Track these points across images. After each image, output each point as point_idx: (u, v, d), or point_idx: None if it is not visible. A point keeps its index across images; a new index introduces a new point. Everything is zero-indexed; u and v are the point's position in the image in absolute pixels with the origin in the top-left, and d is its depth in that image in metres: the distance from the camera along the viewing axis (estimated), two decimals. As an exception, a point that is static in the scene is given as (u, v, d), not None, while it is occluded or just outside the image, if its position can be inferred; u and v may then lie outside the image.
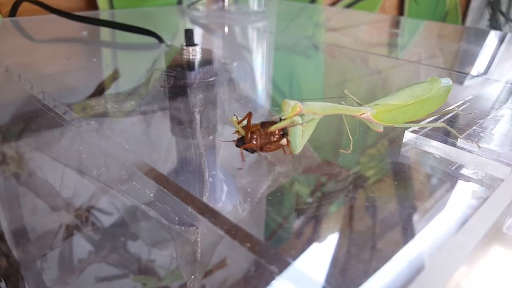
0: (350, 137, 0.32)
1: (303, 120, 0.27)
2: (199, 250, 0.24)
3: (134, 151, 0.33)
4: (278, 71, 0.58)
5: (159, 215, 0.26)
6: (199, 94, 0.46)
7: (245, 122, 0.28)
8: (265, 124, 0.27)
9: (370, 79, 0.56)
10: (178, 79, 0.50)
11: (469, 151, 0.31)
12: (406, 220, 0.26)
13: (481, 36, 0.87)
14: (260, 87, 0.51)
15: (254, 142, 0.27)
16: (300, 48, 0.71)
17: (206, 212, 0.25)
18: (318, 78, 0.57)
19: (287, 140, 0.27)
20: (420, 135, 0.33)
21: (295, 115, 0.26)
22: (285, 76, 0.57)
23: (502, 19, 1.78)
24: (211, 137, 0.37)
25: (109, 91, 0.48)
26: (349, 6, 1.30)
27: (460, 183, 0.30)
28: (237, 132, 0.28)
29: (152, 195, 0.28)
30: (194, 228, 0.25)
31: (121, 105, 0.43)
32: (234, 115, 0.28)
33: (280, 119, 0.27)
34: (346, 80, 0.55)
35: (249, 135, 0.26)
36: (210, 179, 0.29)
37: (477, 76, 0.56)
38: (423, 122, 0.33)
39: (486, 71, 0.59)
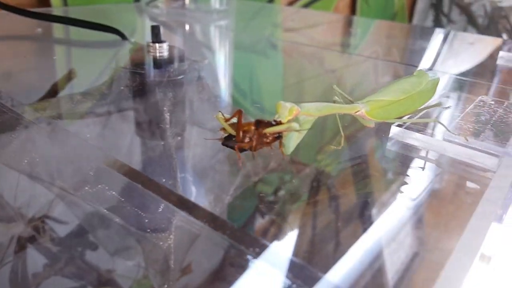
0: (342, 132, 0.31)
1: (299, 122, 0.27)
2: (171, 256, 0.23)
3: (98, 148, 0.31)
4: (239, 70, 0.58)
5: (123, 220, 0.25)
6: (167, 92, 0.44)
7: (233, 119, 0.27)
8: (260, 124, 0.26)
9: (329, 76, 0.56)
10: (144, 78, 0.48)
11: (457, 144, 0.31)
12: (395, 216, 0.26)
13: (427, 34, 0.91)
14: (223, 85, 0.50)
15: (248, 142, 0.26)
16: (261, 46, 0.70)
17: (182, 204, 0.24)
18: (278, 76, 0.57)
19: (280, 142, 0.27)
20: (406, 128, 0.33)
21: (292, 118, 0.26)
22: (246, 75, 0.57)
23: (444, 20, 1.86)
24: (179, 138, 0.36)
25: (67, 91, 0.46)
26: (306, 6, 1.31)
27: (449, 177, 0.30)
28: (223, 129, 0.27)
29: (116, 195, 0.27)
30: (165, 232, 0.24)
31: (81, 105, 0.41)
32: (220, 112, 0.27)
33: (275, 121, 0.26)
34: (306, 77, 0.55)
35: (241, 134, 0.26)
36: (179, 181, 0.28)
37: (428, 69, 0.59)
38: (414, 118, 0.34)
39: (433, 65, 0.63)
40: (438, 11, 1.76)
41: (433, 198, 0.28)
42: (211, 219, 0.24)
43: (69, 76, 0.51)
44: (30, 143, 0.33)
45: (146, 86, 0.46)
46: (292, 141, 0.27)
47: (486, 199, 0.26)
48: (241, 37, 0.77)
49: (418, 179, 0.30)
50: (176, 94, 0.45)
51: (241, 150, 0.26)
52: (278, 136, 0.26)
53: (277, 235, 0.24)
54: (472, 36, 0.94)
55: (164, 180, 0.28)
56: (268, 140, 0.26)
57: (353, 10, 1.50)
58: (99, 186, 0.28)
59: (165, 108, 0.41)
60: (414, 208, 0.27)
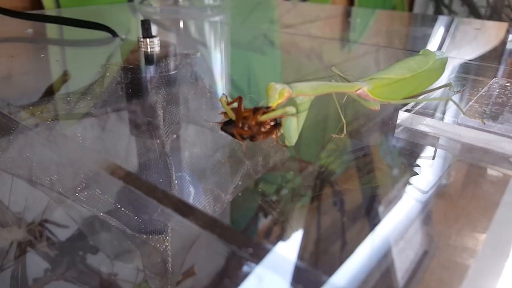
0: (343, 119, 0.28)
1: (295, 105, 0.24)
2: (169, 259, 0.22)
3: (95, 151, 0.30)
4: (235, 66, 0.56)
5: (122, 224, 0.25)
6: (159, 89, 0.42)
7: (234, 104, 0.24)
8: (257, 111, 0.24)
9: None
10: (135, 74, 0.45)
11: (473, 128, 0.28)
12: (406, 213, 0.24)
13: (432, 21, 0.88)
14: (219, 80, 0.48)
15: (246, 129, 0.24)
16: (257, 42, 0.68)
17: (180, 208, 0.23)
18: (276, 66, 0.54)
19: (278, 130, 0.25)
20: (416, 114, 0.30)
21: (282, 102, 0.24)
22: (242, 70, 0.54)
23: (445, 11, 1.83)
24: (175, 136, 0.34)
25: (60, 92, 0.44)
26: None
27: (467, 165, 0.27)
28: (224, 113, 0.25)
29: (113, 201, 0.25)
30: (162, 235, 0.23)
31: (75, 106, 0.39)
32: (223, 94, 0.25)
33: (267, 107, 0.24)
34: (306, 72, 0.52)
35: (240, 122, 0.23)
36: (176, 181, 0.27)
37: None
38: (421, 97, 0.31)
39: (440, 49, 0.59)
40: (438, 2, 1.73)
41: (451, 189, 0.25)
42: (209, 222, 0.22)
43: (64, 78, 0.49)
44: (28, 145, 0.31)
45: (137, 82, 0.44)
46: (292, 130, 0.24)
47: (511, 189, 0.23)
48: (236, 32, 0.75)
49: (431, 170, 0.27)
50: (169, 90, 0.42)
51: (241, 137, 0.24)
52: (276, 124, 0.24)
53: (278, 238, 0.22)
54: (478, 22, 0.91)
55: (160, 180, 0.26)
56: (265, 129, 0.24)
57: (351, 1, 1.48)
58: (96, 189, 0.26)
59: (157, 105, 0.39)
60: (427, 202, 0.24)
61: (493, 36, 0.71)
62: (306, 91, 0.25)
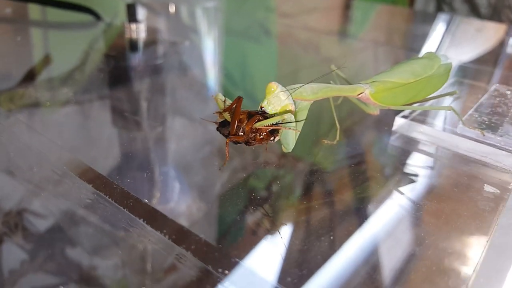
0: (337, 124, 0.26)
1: (296, 108, 0.23)
2: (149, 257, 0.21)
3: (68, 148, 0.28)
4: (228, 56, 0.53)
5: (101, 219, 0.23)
6: (144, 78, 0.40)
7: (229, 104, 0.24)
8: (253, 117, 0.23)
9: (327, 64, 0.52)
10: (118, 62, 0.43)
11: (471, 139, 0.26)
12: (396, 228, 0.22)
13: (435, 19, 0.86)
14: (210, 71, 0.45)
15: (241, 136, 0.23)
16: (254, 31, 0.65)
17: (151, 218, 0.21)
18: (271, 59, 0.52)
19: (275, 136, 0.24)
20: (412, 120, 0.28)
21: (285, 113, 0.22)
22: (235, 61, 0.52)
23: (446, 8, 1.82)
24: (160, 129, 0.33)
25: (39, 78, 0.42)
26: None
27: (463, 178, 0.25)
28: (219, 113, 0.24)
29: (89, 200, 0.24)
30: (141, 232, 0.22)
31: (54, 93, 0.37)
32: (219, 93, 0.24)
33: (264, 112, 0.23)
34: (301, 65, 0.50)
35: (235, 126, 0.23)
36: (161, 177, 0.26)
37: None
38: (422, 105, 0.29)
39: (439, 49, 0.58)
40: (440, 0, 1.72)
41: (444, 204, 0.23)
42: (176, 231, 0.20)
43: (45, 62, 0.46)
44: (5, 134, 0.30)
45: (121, 70, 0.42)
46: (289, 137, 0.23)
47: (509, 208, 0.21)
48: (231, 19, 0.72)
49: (425, 181, 0.25)
50: (154, 80, 0.40)
51: (235, 142, 0.24)
52: (273, 130, 0.23)
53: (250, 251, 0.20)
54: (477, 22, 0.88)
55: (138, 177, 0.25)
56: (261, 136, 0.23)
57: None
58: (70, 184, 0.25)
59: (142, 96, 0.37)
60: (418, 216, 0.22)
61: (493, 38, 0.69)
62: (307, 95, 0.23)
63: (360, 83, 0.26)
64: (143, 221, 0.21)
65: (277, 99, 0.22)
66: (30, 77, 0.41)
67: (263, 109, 0.22)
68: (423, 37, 0.67)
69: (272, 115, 0.22)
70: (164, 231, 0.20)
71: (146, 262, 0.22)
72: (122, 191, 0.23)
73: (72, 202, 0.25)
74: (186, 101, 0.38)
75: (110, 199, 0.23)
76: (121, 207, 0.22)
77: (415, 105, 0.29)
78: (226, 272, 0.18)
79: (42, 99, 0.36)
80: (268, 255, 0.20)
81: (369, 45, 0.59)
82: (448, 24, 0.80)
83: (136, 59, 0.44)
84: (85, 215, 0.24)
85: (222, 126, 0.24)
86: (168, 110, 0.36)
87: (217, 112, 0.25)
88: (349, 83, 0.28)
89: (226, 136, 0.23)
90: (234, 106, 0.23)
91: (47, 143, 0.29)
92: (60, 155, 0.27)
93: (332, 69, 0.28)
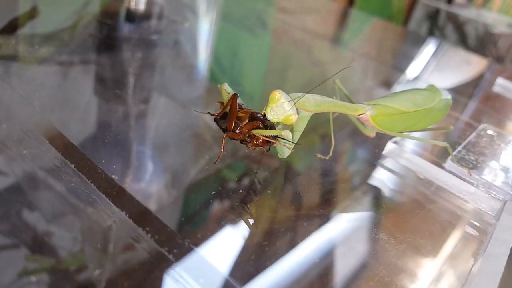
0: (333, 140, 0.26)
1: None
2: (108, 235, 0.21)
3: (41, 109, 0.27)
4: (222, 42, 0.52)
5: (64, 188, 0.23)
6: (136, 52, 0.38)
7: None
8: (253, 121, 0.23)
9: (318, 68, 0.51)
10: (112, 30, 0.41)
11: (457, 177, 0.27)
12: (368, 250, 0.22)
13: (425, 43, 0.87)
14: (203, 55, 0.44)
15: (239, 133, 0.23)
16: (251, 21, 0.64)
17: (115, 194, 0.21)
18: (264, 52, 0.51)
19: (270, 145, 0.24)
20: (404, 148, 0.28)
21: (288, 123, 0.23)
22: (229, 49, 0.51)
23: (437, 33, 1.85)
24: (142, 106, 0.31)
25: (22, 30, 0.39)
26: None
27: (443, 214, 0.25)
28: (221, 103, 0.24)
29: (55, 166, 0.23)
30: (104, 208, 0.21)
31: (36, 49, 0.35)
32: (226, 83, 0.24)
33: (265, 118, 0.22)
34: (291, 65, 0.50)
35: (233, 123, 0.23)
36: (133, 155, 0.25)
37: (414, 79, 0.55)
38: (421, 136, 0.29)
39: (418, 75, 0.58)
40: (433, 23, 1.74)
41: (425, 242, 0.23)
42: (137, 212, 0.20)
43: (31, 14, 0.44)
44: None
45: (113, 40, 0.40)
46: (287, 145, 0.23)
47: (488, 256, 0.21)
48: (229, 5, 0.71)
49: (404, 210, 0.25)
50: (146, 56, 0.39)
51: (231, 138, 0.24)
52: (268, 141, 0.23)
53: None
54: (464, 53, 0.90)
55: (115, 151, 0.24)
56: (257, 142, 0.23)
57: (351, 1, 1.46)
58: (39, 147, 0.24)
59: (130, 70, 0.36)
60: (393, 255, 0.22)
61: (475, 70, 0.71)
62: (309, 106, 0.23)
63: (363, 103, 0.26)
64: (107, 197, 0.20)
65: (280, 109, 0.22)
66: (12, 27, 0.39)
67: (266, 116, 0.22)
68: (410, 58, 0.68)
69: (273, 124, 0.23)
70: (127, 210, 0.20)
71: (105, 239, 0.21)
72: (91, 164, 0.22)
73: (37, 165, 0.24)
74: (173, 82, 0.37)
75: (76, 170, 0.22)
76: (87, 180, 0.21)
77: (412, 134, 0.29)
78: (179, 257, 0.18)
79: (21, 53, 0.34)
80: (225, 247, 0.20)
81: (357, 57, 0.59)
82: (437, 49, 0.81)
83: (131, 31, 0.43)
84: (49, 181, 0.24)
85: (222, 119, 0.24)
86: (154, 88, 0.35)
87: (219, 102, 0.25)
88: (349, 99, 0.28)
89: (224, 130, 0.23)
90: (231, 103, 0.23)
91: (19, 99, 0.27)
92: (32, 115, 0.26)
93: (337, 84, 0.28)
